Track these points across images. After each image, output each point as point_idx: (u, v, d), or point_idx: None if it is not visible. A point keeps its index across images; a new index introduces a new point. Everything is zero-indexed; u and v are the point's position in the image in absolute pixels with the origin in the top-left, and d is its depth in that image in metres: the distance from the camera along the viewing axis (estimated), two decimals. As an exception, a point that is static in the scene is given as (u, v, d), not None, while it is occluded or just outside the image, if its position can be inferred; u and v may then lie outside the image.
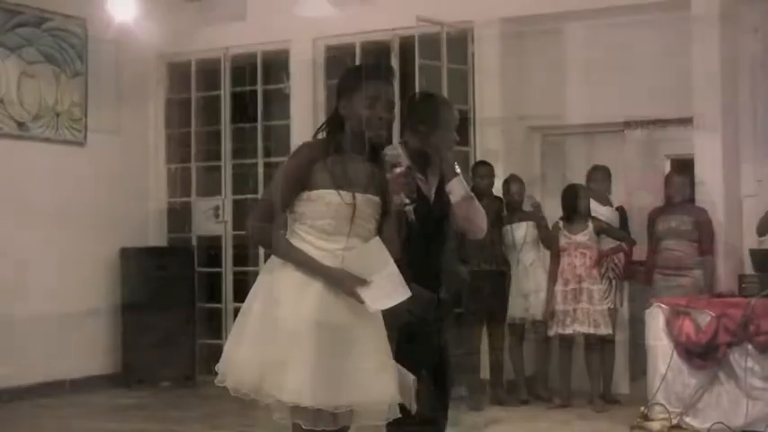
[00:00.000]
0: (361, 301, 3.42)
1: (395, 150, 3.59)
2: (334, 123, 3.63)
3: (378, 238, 3.52)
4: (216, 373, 3.51)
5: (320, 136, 3.65)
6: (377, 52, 9.29)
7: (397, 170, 3.55)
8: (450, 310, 4.55)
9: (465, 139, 8.62)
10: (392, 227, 3.59)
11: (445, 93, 8.37)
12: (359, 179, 3.55)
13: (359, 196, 3.51)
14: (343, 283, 3.43)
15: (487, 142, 8.79)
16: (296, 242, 3.51)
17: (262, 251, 8.92)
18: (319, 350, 3.36)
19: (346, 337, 3.43)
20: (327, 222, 3.48)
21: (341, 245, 3.49)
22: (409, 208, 3.52)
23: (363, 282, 3.43)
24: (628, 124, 9.12)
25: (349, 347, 3.43)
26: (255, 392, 3.43)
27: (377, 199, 3.58)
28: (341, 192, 3.48)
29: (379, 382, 3.47)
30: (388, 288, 3.47)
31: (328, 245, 3.48)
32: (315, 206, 3.49)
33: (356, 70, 3.81)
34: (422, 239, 4.05)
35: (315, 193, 3.50)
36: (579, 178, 8.47)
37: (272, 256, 3.58)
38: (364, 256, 3.47)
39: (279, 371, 3.35)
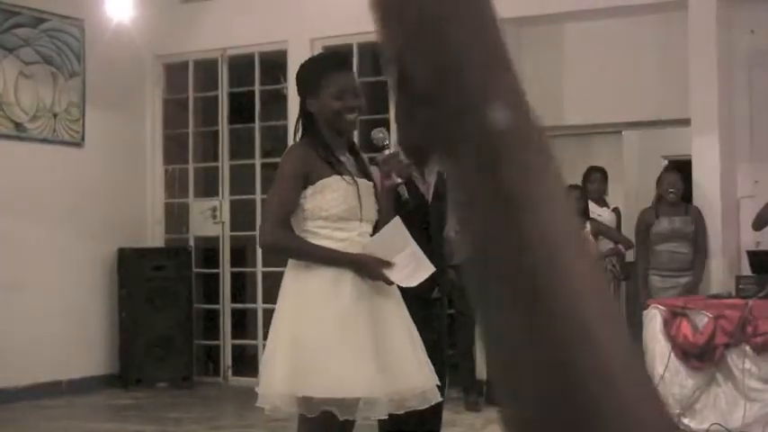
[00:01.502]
0: (390, 283, 3.46)
1: (381, 134, 3.64)
2: (307, 122, 3.67)
3: (398, 218, 3.56)
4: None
5: (299, 135, 3.72)
6: (374, 52, 9.29)
7: (387, 151, 3.63)
8: (443, 309, 4.57)
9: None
10: (388, 208, 3.64)
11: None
12: (349, 165, 3.63)
13: (356, 179, 3.58)
14: (370, 268, 3.46)
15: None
16: (312, 239, 3.53)
17: (259, 251, 8.92)
18: (368, 340, 3.40)
19: (385, 325, 3.48)
20: (341, 209, 3.52)
21: (356, 230, 3.53)
22: (403, 187, 3.58)
23: (388, 264, 3.47)
24: (625, 125, 9.14)
25: (390, 334, 3.48)
26: (307, 407, 3.39)
27: (370, 183, 3.66)
28: (344, 176, 3.54)
29: (420, 367, 3.52)
30: (412, 266, 3.53)
31: (345, 233, 3.52)
32: (323, 196, 3.52)
33: (313, 67, 3.79)
34: (418, 238, 4.06)
35: (320, 183, 3.53)
36: (576, 179, 8.48)
37: (291, 263, 3.59)
38: (384, 239, 3.52)
39: (334, 369, 3.34)
